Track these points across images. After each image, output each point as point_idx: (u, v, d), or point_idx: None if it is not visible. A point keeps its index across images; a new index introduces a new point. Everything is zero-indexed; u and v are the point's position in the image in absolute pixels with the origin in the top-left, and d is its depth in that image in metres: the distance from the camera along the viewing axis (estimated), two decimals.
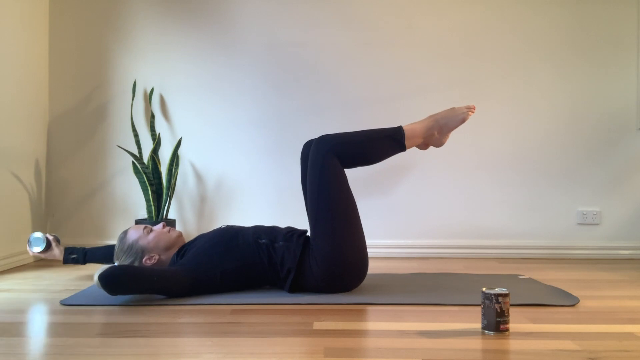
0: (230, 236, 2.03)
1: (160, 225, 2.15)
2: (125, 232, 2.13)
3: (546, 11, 3.08)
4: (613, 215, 3.07)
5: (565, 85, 3.07)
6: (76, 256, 2.30)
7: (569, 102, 3.07)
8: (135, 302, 1.88)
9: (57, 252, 2.30)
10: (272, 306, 1.85)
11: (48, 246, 2.29)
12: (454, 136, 3.00)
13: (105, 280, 1.79)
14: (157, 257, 2.07)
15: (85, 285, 2.23)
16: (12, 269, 2.65)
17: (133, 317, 1.71)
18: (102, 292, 2.04)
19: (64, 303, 1.88)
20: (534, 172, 3.07)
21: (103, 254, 2.33)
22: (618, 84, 3.07)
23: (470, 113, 2.11)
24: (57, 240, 2.33)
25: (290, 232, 2.06)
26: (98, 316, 1.72)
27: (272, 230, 2.07)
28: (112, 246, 2.32)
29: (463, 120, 2.11)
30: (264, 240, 2.01)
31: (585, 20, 3.07)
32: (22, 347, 1.41)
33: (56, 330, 1.57)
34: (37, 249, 2.27)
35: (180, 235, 2.15)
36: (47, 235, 2.31)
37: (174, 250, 2.10)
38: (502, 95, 3.07)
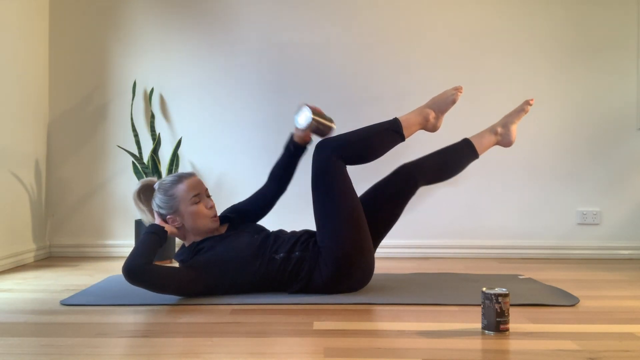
0: (249, 253, 1.97)
1: (215, 210, 2.03)
2: (180, 180, 2.00)
3: (547, 12, 3.07)
4: (613, 215, 3.07)
5: (566, 86, 3.07)
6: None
7: (569, 103, 3.07)
8: (135, 302, 1.88)
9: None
10: (272, 306, 1.85)
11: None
12: (453, 135, 2.99)
13: (129, 273, 1.76)
14: (179, 225, 1.99)
15: (85, 285, 2.23)
16: (12, 269, 2.65)
17: (133, 317, 1.71)
18: (102, 292, 2.04)
19: (64, 303, 1.88)
20: (533, 172, 3.07)
21: None
22: (618, 84, 3.07)
23: (458, 93, 2.15)
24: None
25: (306, 239, 2.03)
26: (98, 316, 1.72)
27: (290, 239, 2.03)
28: None
29: (453, 102, 2.15)
30: (281, 255, 1.98)
31: (585, 22, 3.07)
32: (22, 347, 1.41)
33: (56, 330, 1.57)
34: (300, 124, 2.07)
35: (215, 231, 2.05)
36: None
37: (192, 239, 2.03)
38: (502, 96, 3.07)
